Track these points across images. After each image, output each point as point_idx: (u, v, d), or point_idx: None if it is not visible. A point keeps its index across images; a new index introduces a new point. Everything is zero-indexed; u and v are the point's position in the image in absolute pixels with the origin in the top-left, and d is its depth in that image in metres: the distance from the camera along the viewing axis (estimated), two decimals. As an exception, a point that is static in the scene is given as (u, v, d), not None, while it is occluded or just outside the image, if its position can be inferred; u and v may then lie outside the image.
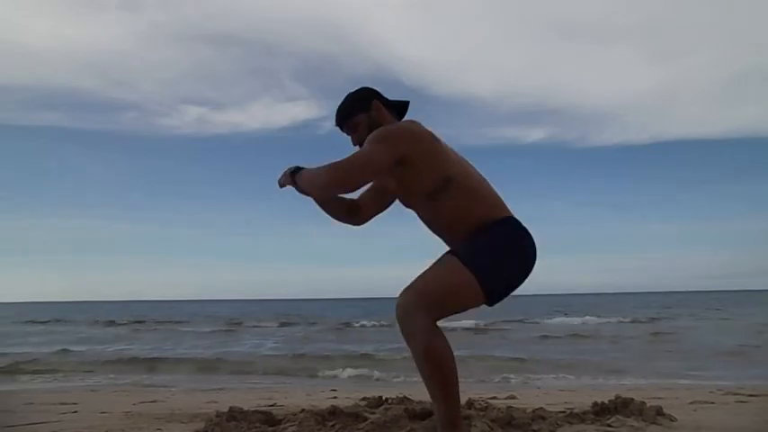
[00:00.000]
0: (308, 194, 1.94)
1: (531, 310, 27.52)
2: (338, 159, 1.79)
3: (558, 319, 21.85)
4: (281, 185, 1.99)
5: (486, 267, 1.76)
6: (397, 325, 1.71)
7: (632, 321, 20.06)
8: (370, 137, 1.84)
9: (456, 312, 1.78)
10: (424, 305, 1.69)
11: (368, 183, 1.95)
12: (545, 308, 32.72)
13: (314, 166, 1.87)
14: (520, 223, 1.91)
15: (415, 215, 2.04)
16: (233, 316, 29.49)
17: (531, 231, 1.91)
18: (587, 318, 21.85)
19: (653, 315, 23.33)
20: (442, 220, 1.93)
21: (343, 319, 24.18)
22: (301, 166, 1.92)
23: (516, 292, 1.88)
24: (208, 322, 23.58)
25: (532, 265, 1.89)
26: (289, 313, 32.08)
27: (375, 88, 2.08)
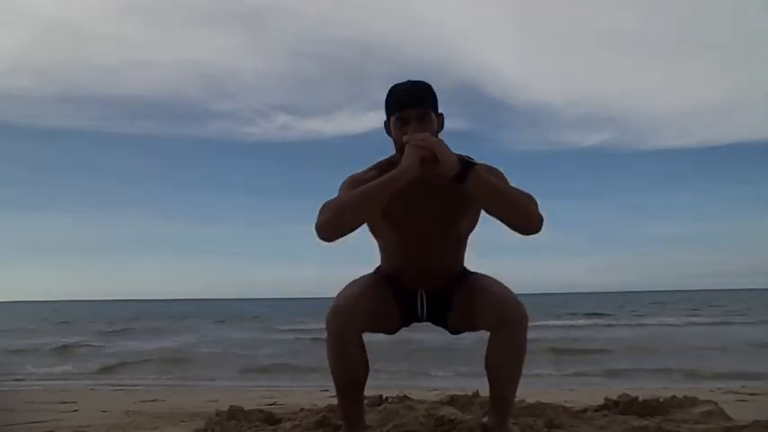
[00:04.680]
0: (479, 196, 1.73)
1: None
2: (520, 189, 1.74)
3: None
4: (425, 162, 1.66)
5: None
6: (512, 327, 1.75)
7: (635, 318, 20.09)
8: (498, 173, 1.82)
9: None
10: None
11: None
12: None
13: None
14: None
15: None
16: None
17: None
18: (588, 317, 21.85)
19: (661, 312, 23.35)
20: (443, 252, 1.93)
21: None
22: (474, 161, 1.68)
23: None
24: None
25: None
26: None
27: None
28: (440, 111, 1.84)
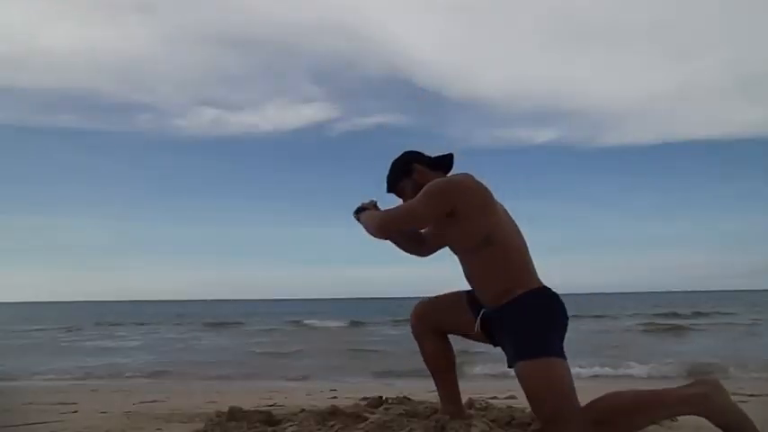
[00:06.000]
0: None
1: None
2: (393, 207, 2.04)
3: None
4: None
5: (547, 344, 1.82)
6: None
7: (630, 318, 20.08)
8: (424, 188, 1.95)
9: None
10: (559, 413, 1.72)
11: (414, 228, 2.14)
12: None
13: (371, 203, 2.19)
14: (548, 291, 1.95)
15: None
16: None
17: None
18: (585, 317, 21.84)
19: (652, 313, 23.34)
20: (474, 275, 2.03)
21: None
22: (366, 205, 2.17)
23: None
24: (264, 322, 23.42)
25: (566, 327, 1.94)
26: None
27: (416, 151, 2.21)
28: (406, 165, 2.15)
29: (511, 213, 2.06)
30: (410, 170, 2.13)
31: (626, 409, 1.76)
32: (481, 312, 2.03)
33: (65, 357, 10.93)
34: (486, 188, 1.96)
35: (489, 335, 2.04)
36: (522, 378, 1.80)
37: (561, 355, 1.81)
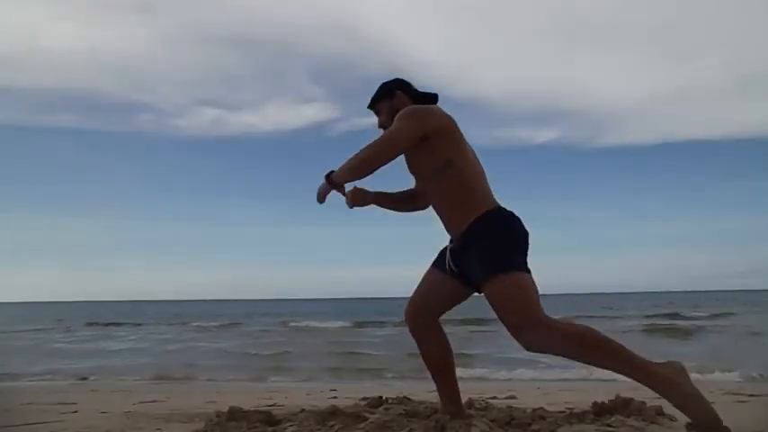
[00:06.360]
0: (347, 181, 2.08)
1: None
2: (368, 143, 2.03)
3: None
4: (321, 198, 2.11)
5: (511, 260, 1.93)
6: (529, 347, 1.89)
7: (631, 319, 20.08)
8: (398, 114, 2.06)
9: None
10: (531, 320, 1.85)
11: (397, 156, 2.08)
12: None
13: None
14: (503, 210, 2.06)
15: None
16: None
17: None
18: (585, 317, 21.86)
19: (651, 314, 23.34)
20: (437, 203, 2.13)
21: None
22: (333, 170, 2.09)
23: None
24: (262, 323, 23.25)
25: (527, 241, 2.04)
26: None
27: (405, 79, 2.30)
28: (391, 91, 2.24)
29: (510, 209, 2.11)
30: (392, 95, 2.24)
31: (598, 343, 1.85)
32: (449, 251, 2.11)
33: (64, 357, 10.93)
34: (454, 120, 2.09)
35: (466, 279, 2.08)
36: (489, 296, 1.92)
37: (524, 269, 1.93)
